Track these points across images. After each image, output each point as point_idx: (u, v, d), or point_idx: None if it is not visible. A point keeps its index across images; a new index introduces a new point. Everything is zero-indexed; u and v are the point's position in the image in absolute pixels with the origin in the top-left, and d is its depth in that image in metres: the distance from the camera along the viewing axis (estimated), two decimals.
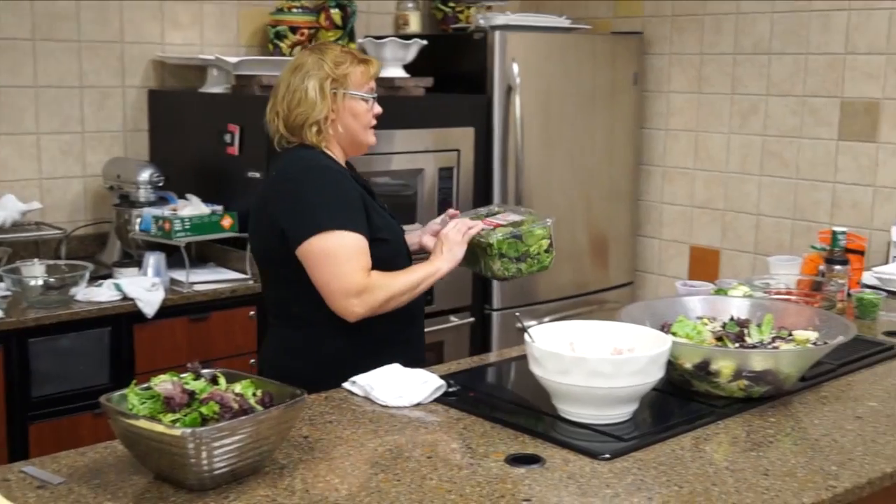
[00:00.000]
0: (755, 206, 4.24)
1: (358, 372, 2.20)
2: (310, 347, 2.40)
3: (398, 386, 2.09)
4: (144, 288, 3.18)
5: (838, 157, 3.95)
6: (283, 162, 2.42)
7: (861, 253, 3.22)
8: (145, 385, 1.69)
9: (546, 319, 3.75)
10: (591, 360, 1.89)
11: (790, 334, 2.21)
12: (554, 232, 2.54)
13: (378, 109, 2.49)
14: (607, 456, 1.79)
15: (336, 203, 2.32)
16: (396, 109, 3.74)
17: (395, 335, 2.42)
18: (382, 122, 3.61)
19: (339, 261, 2.28)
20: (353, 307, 2.29)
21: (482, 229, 2.49)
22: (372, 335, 2.36)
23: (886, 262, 3.59)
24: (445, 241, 2.45)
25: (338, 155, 2.45)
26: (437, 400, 2.08)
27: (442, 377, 2.14)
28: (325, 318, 2.34)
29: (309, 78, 2.39)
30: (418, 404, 2.06)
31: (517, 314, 2.07)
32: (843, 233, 3.03)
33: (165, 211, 3.44)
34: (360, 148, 2.50)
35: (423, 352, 2.53)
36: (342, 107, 2.40)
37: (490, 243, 2.46)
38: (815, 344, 2.16)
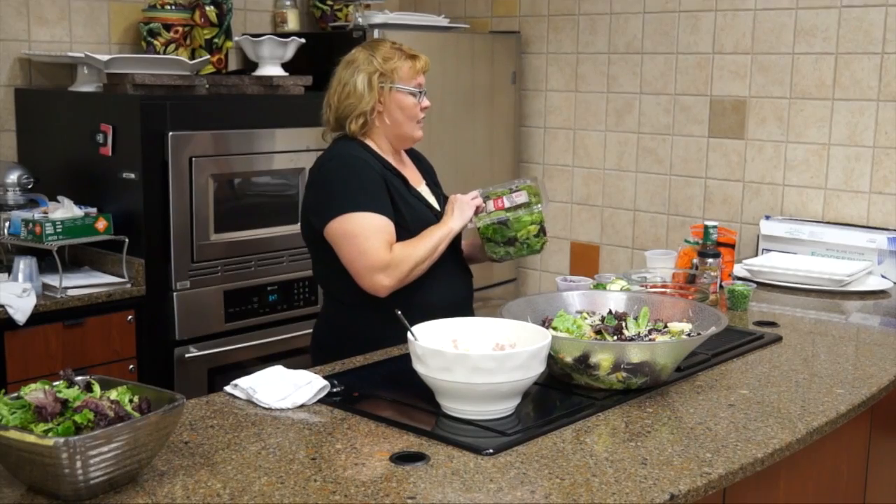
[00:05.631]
0: (632, 202, 4.34)
1: (390, 345, 2.44)
2: (346, 324, 2.61)
3: (281, 388, 2.06)
4: (15, 294, 3.08)
5: (709, 154, 4.08)
6: (323, 153, 2.62)
7: (732, 246, 3.33)
8: (15, 395, 1.64)
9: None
10: (474, 356, 1.90)
11: (666, 326, 2.27)
12: (546, 217, 2.70)
13: (426, 103, 2.64)
14: (491, 451, 1.81)
15: (355, 188, 2.49)
16: (276, 108, 3.72)
17: (429, 301, 2.52)
18: (262, 122, 3.61)
19: (361, 240, 2.46)
20: (381, 281, 2.47)
21: (482, 207, 2.63)
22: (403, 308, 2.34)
23: (756, 255, 3.73)
24: (456, 202, 2.61)
25: (382, 146, 2.62)
26: (321, 401, 2.07)
27: (326, 377, 2.13)
28: (358, 296, 2.52)
29: (359, 72, 2.57)
30: (302, 406, 2.04)
31: (398, 311, 2.07)
32: (715, 227, 3.13)
33: (36, 214, 3.33)
34: (405, 141, 2.65)
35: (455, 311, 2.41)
36: (390, 100, 2.58)
37: (477, 227, 2.62)
38: (689, 335, 2.23)
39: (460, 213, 2.60)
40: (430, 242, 2.53)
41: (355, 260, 2.49)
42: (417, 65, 2.61)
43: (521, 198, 2.67)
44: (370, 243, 2.47)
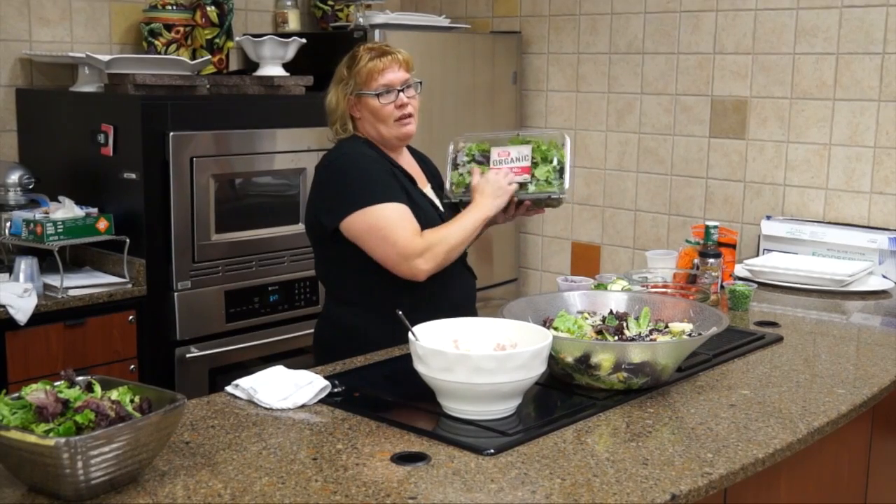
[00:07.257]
0: (633, 202, 4.34)
1: (392, 344, 2.43)
2: (348, 322, 2.58)
3: (282, 388, 2.06)
4: (16, 294, 3.08)
5: (710, 154, 4.07)
6: (330, 151, 2.61)
7: (733, 246, 3.33)
8: (16, 395, 1.63)
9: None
10: (475, 356, 1.90)
11: (667, 326, 2.27)
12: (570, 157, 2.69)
13: (402, 100, 2.56)
14: (492, 451, 1.81)
15: (369, 181, 2.48)
16: (277, 109, 3.72)
17: (430, 304, 2.48)
18: (263, 122, 3.61)
19: (388, 231, 2.44)
20: (420, 266, 2.45)
21: (518, 185, 2.62)
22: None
23: (757, 255, 3.73)
24: (494, 186, 2.57)
25: (383, 147, 2.60)
26: (322, 401, 2.07)
27: (327, 378, 2.13)
28: (360, 294, 2.53)
29: (332, 84, 2.61)
30: (303, 406, 2.04)
31: (399, 312, 2.07)
32: (716, 227, 3.12)
33: (37, 214, 3.33)
34: (391, 141, 2.60)
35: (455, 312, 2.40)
36: (361, 106, 2.56)
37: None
38: (690, 335, 2.22)
39: (496, 202, 2.57)
40: (463, 228, 2.52)
41: (388, 251, 2.46)
42: (379, 64, 2.53)
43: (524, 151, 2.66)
44: (400, 232, 2.45)
